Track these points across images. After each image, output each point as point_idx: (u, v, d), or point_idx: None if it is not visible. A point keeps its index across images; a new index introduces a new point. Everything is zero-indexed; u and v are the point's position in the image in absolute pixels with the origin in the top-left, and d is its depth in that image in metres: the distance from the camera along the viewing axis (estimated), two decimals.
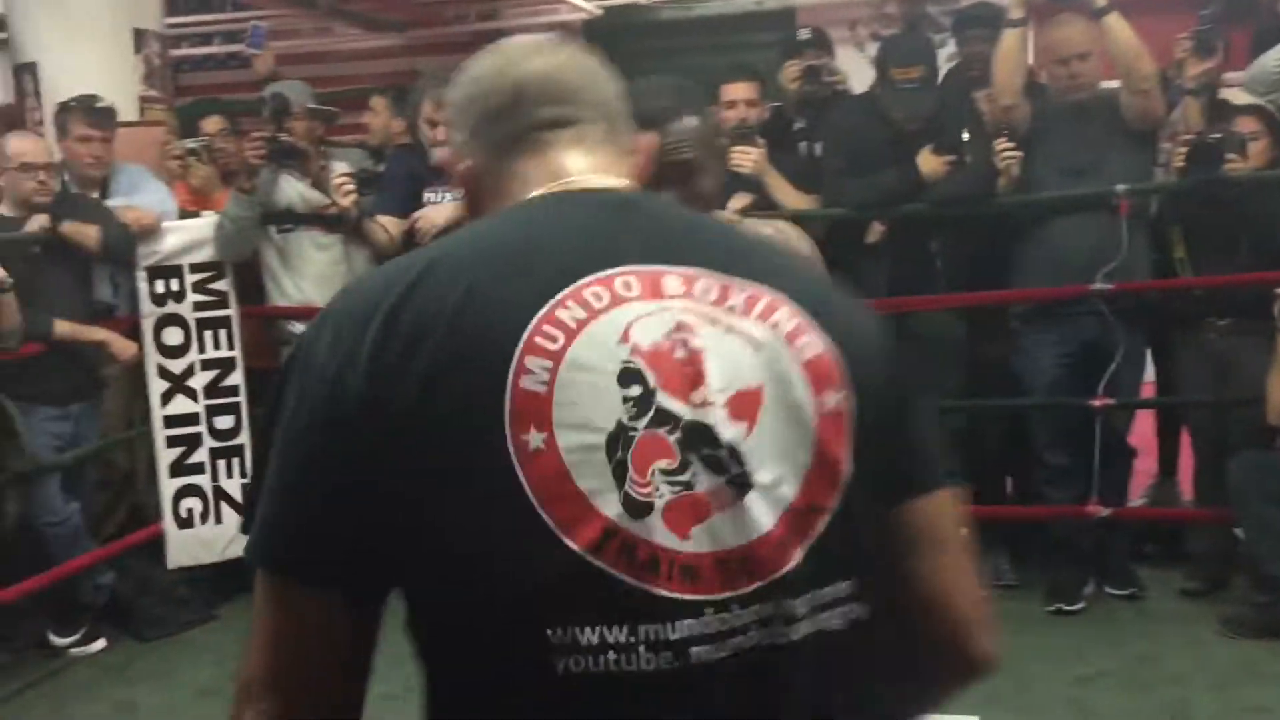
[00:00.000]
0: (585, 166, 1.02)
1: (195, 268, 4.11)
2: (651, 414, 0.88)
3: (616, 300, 0.90)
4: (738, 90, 3.95)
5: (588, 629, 0.86)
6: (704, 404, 0.89)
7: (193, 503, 4.13)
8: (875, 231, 3.90)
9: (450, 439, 0.86)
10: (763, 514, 0.89)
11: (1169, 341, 3.85)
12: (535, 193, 1.00)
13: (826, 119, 4.02)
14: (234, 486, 4.16)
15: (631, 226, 0.96)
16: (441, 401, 0.86)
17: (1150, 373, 3.95)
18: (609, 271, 0.91)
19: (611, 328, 0.89)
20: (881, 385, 0.96)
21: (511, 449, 0.85)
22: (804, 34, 4.36)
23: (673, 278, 0.92)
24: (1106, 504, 3.71)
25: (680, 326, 0.90)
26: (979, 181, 3.72)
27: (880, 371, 0.96)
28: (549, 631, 0.85)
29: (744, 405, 0.90)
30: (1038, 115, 3.76)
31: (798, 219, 3.88)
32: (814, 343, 0.93)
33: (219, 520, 4.14)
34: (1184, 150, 3.54)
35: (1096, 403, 3.66)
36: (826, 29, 4.51)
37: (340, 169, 4.20)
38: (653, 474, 0.87)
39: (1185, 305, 3.76)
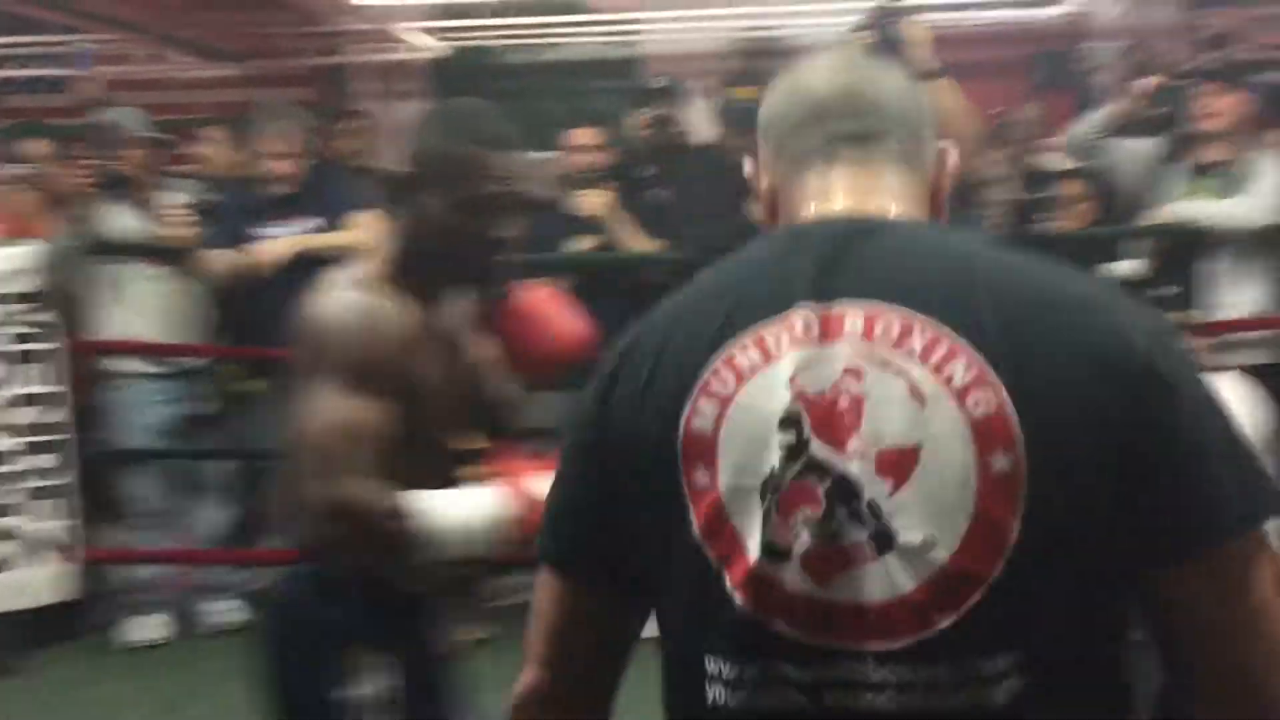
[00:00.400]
0: (861, 187, 1.00)
1: (15, 298, 3.90)
2: (803, 462, 0.89)
3: (793, 343, 0.90)
4: (583, 136, 4.00)
5: (730, 663, 0.91)
6: (856, 456, 0.88)
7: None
8: None
9: (646, 470, 0.94)
10: (902, 575, 0.87)
11: None
12: (804, 214, 1.01)
13: (675, 167, 4.10)
14: (56, 529, 3.94)
15: (850, 258, 0.93)
16: (642, 432, 0.94)
17: None
18: (793, 311, 0.91)
19: (781, 372, 0.90)
20: (1091, 437, 0.86)
21: (684, 485, 0.92)
22: (655, 82, 4.44)
23: (856, 317, 0.90)
24: None
25: (848, 372, 0.89)
26: None
27: (1090, 421, 0.86)
28: (707, 660, 0.92)
29: (897, 462, 0.87)
30: None
31: (644, 263, 3.97)
32: (988, 399, 0.87)
33: (33, 564, 3.91)
34: (1004, 208, 3.74)
35: None
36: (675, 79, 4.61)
37: (174, 199, 4.07)
38: (797, 521, 0.89)
39: None
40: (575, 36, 6.29)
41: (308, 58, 6.38)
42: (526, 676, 1.04)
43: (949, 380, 0.88)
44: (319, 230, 3.94)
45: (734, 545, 0.90)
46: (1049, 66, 5.72)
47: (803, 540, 0.88)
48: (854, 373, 0.89)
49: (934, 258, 0.95)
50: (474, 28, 6.09)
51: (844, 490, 0.88)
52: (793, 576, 0.88)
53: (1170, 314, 3.44)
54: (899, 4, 3.83)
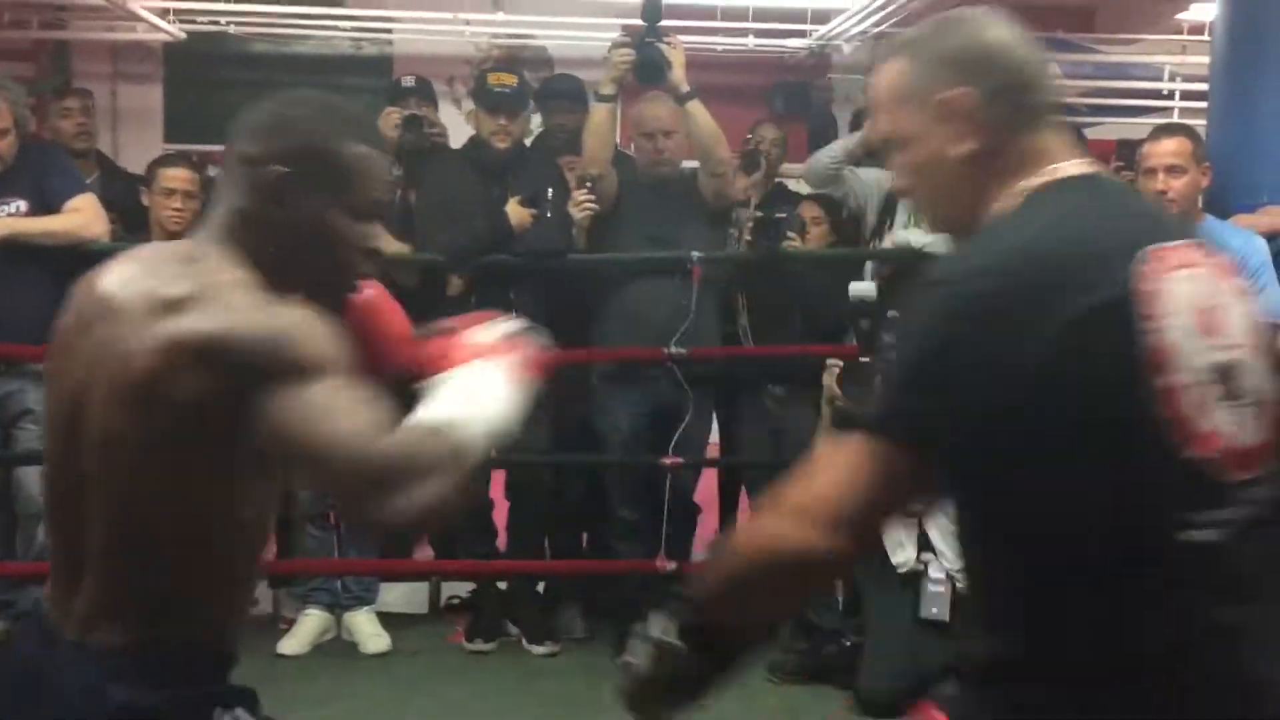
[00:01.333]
0: (1072, 151, 1.31)
1: None
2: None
3: (1171, 268, 1.21)
4: None
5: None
6: (1233, 347, 1.22)
7: None
8: (455, 285, 3.89)
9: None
10: (1259, 427, 1.23)
11: (733, 405, 4.12)
12: (1066, 169, 1.27)
13: (424, 169, 4.00)
14: None
15: (1126, 207, 1.32)
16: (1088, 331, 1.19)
17: (716, 434, 4.20)
18: (1158, 245, 1.21)
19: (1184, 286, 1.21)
20: None
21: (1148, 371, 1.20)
22: (408, 81, 4.32)
23: (1187, 249, 1.24)
24: (673, 559, 3.89)
25: (1208, 288, 1.22)
26: (559, 236, 3.81)
27: None
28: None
29: (1254, 348, 1.24)
30: (624, 185, 3.93)
31: (393, 263, 3.85)
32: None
33: None
34: (750, 225, 3.82)
35: (667, 461, 3.85)
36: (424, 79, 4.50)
37: None
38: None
39: (747, 371, 4.04)
40: (326, 30, 6.08)
41: (30, 30, 5.92)
42: (830, 543, 1.20)
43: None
44: (28, 213, 3.64)
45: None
46: (789, 96, 5.93)
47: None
48: (1212, 287, 1.24)
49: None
50: (217, 12, 5.79)
51: (1233, 373, 1.22)
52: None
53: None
54: (658, 24, 3.88)
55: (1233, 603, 1.21)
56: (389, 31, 6.17)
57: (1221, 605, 1.20)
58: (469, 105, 4.08)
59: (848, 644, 3.70)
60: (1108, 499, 1.18)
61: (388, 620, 4.06)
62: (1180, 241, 1.23)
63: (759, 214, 3.87)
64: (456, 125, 4.55)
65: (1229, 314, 1.23)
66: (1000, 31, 1.30)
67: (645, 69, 3.82)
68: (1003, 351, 1.16)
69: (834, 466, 1.23)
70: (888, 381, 1.24)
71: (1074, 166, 1.27)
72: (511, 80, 3.92)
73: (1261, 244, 3.25)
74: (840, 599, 3.92)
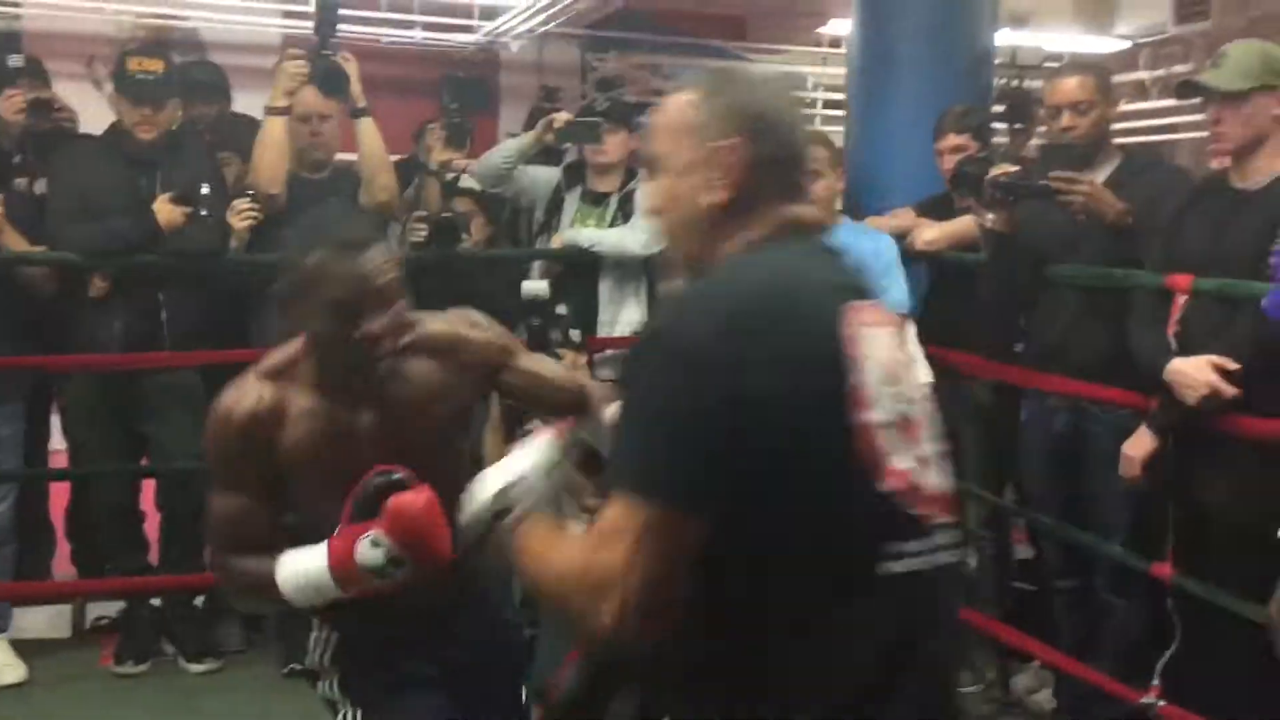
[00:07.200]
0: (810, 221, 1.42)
1: None
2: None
3: (865, 323, 1.32)
4: None
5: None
6: (911, 401, 1.34)
7: None
8: (98, 286, 3.61)
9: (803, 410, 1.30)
10: (939, 477, 1.35)
11: None
12: (789, 228, 1.37)
13: (54, 157, 3.68)
14: None
15: (831, 269, 1.40)
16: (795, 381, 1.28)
17: None
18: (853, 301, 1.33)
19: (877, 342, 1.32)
20: None
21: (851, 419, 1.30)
22: (15, 61, 3.89)
23: (875, 309, 1.36)
24: None
25: (892, 344, 1.34)
26: (215, 236, 3.61)
27: None
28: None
29: (926, 406, 1.36)
30: (293, 187, 3.75)
31: (22, 260, 3.52)
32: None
33: None
34: (422, 226, 3.76)
35: None
36: (62, 61, 4.15)
37: None
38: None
39: None
40: None
41: None
42: (631, 629, 1.22)
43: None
44: None
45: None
46: (459, 91, 5.90)
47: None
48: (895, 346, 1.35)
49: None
50: None
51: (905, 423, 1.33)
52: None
53: (559, 331, 3.66)
54: (332, 36, 3.74)
55: (933, 633, 1.32)
56: (17, 4, 5.65)
57: (925, 635, 1.30)
58: (111, 88, 3.77)
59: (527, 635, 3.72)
60: (816, 528, 1.25)
61: (24, 647, 3.72)
62: (870, 301, 1.35)
63: (445, 214, 3.82)
64: (94, 108, 4.22)
65: (908, 371, 1.35)
66: (785, 104, 1.42)
67: (329, 80, 3.69)
68: (725, 393, 1.21)
69: (624, 538, 1.22)
70: (646, 439, 1.25)
71: (797, 226, 1.37)
72: (156, 66, 3.65)
73: (890, 243, 3.52)
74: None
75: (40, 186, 3.69)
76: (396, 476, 1.79)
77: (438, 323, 2.04)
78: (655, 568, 1.21)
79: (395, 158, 4.05)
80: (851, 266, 1.42)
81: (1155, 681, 2.83)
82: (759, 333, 1.24)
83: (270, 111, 3.72)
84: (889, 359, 1.31)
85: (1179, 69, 5.86)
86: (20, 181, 3.70)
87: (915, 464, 1.30)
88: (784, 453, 1.23)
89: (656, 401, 1.24)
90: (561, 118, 4.00)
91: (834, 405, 1.25)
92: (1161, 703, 2.81)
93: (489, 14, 5.95)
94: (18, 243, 3.51)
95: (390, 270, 1.86)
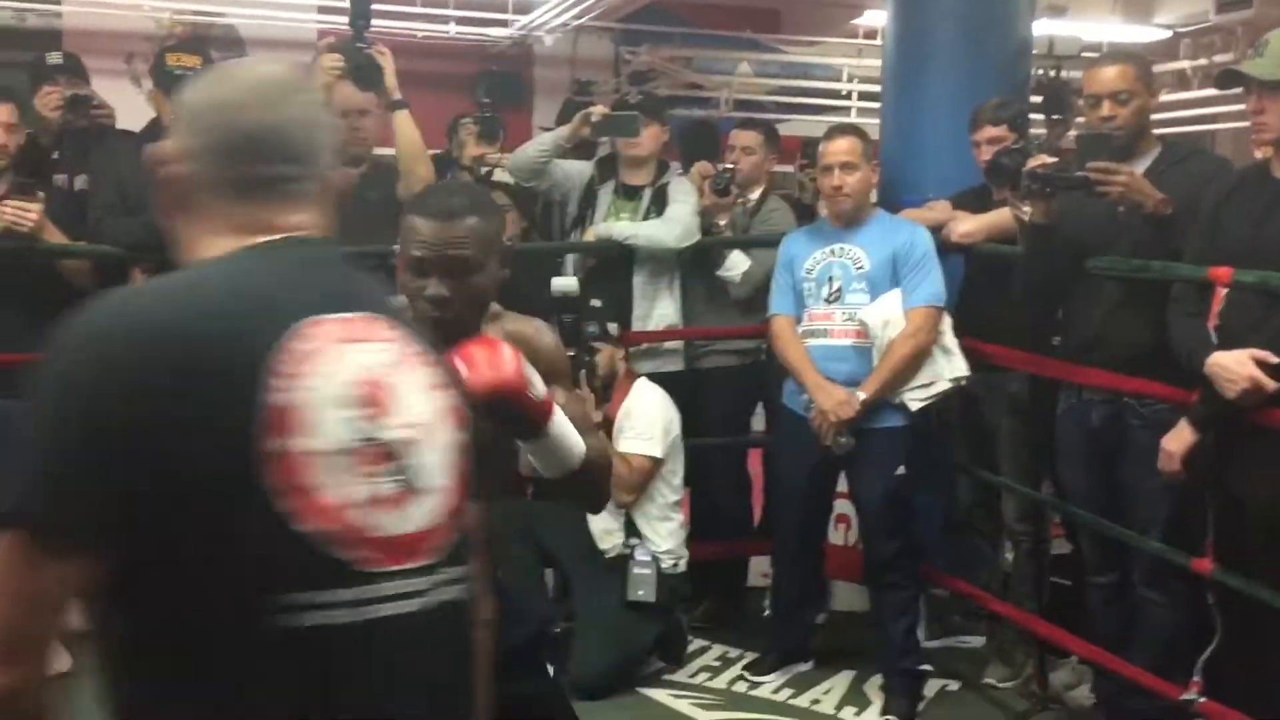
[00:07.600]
0: (295, 223, 1.22)
1: None
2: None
3: (338, 340, 1.16)
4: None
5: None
6: (406, 427, 1.18)
7: None
8: (138, 280, 3.65)
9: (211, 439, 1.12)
10: (427, 513, 1.19)
11: None
12: (254, 241, 1.19)
13: (94, 153, 3.72)
14: None
15: (317, 277, 1.21)
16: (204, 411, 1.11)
17: None
18: (319, 316, 1.15)
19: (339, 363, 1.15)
20: None
21: (263, 450, 1.12)
22: (55, 58, 3.96)
23: (370, 324, 1.20)
24: None
25: (385, 364, 1.18)
26: None
27: None
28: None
29: (436, 433, 1.21)
30: None
31: (64, 254, 3.57)
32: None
33: None
34: None
35: None
36: (101, 58, 4.20)
37: None
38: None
39: None
40: None
41: None
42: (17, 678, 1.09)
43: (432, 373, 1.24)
44: None
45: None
46: (492, 86, 5.92)
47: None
48: (386, 365, 1.18)
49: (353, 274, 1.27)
50: None
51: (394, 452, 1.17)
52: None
53: (596, 324, 3.66)
54: (367, 30, 3.76)
55: (365, 693, 1.13)
56: (57, 2, 5.71)
57: (351, 694, 1.13)
58: (150, 85, 3.80)
59: (557, 631, 3.74)
60: (206, 571, 1.09)
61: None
62: (363, 315, 1.19)
63: None
64: (134, 105, 4.26)
65: (407, 394, 1.19)
66: (242, 93, 1.22)
67: (363, 72, 3.71)
68: (90, 416, 1.08)
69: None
70: (22, 463, 1.10)
71: (270, 235, 1.21)
72: (194, 62, 3.68)
73: (926, 236, 3.50)
74: (550, 586, 3.95)
75: (80, 182, 3.73)
76: None
77: (519, 321, 2.14)
78: (13, 606, 1.07)
79: (430, 153, 4.06)
80: (353, 275, 1.25)
81: (1196, 677, 2.80)
82: (162, 351, 1.09)
83: None
84: (375, 379, 1.16)
85: (1220, 58, 5.78)
86: (60, 178, 3.74)
87: (366, 501, 1.13)
88: (166, 482, 1.07)
89: (34, 422, 1.10)
90: (599, 111, 3.99)
91: (238, 429, 1.08)
92: (1202, 699, 2.78)
93: (522, 8, 5.96)
94: (58, 238, 3.56)
95: (468, 245, 1.91)
